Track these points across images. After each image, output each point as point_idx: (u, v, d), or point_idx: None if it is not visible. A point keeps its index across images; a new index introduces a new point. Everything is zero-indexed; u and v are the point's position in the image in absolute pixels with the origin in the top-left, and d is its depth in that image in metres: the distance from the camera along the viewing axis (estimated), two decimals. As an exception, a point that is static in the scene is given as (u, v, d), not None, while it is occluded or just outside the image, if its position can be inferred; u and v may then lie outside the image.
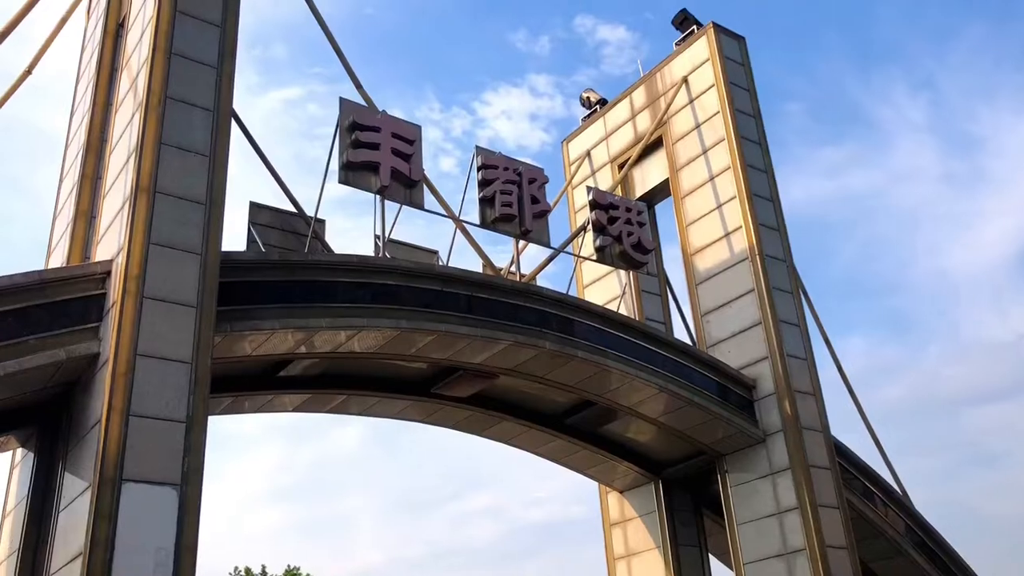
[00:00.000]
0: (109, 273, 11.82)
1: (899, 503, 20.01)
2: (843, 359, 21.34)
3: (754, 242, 18.89)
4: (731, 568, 18.95)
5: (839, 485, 17.67)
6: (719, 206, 19.89)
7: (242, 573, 42.01)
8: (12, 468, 13.99)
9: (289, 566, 42.35)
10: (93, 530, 9.88)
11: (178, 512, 10.42)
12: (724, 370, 18.28)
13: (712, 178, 20.22)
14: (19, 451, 13.72)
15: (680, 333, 21.02)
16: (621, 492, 20.68)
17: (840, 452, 18.73)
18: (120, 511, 10.06)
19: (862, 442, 20.83)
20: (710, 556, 20.22)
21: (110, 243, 12.31)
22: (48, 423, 12.70)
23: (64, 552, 10.65)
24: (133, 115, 12.72)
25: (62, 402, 12.39)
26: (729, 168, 19.80)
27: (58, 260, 15.05)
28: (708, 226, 20.08)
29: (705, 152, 20.55)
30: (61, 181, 16.69)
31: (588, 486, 21.50)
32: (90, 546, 9.79)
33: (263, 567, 41.88)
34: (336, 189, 15.93)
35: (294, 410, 17.36)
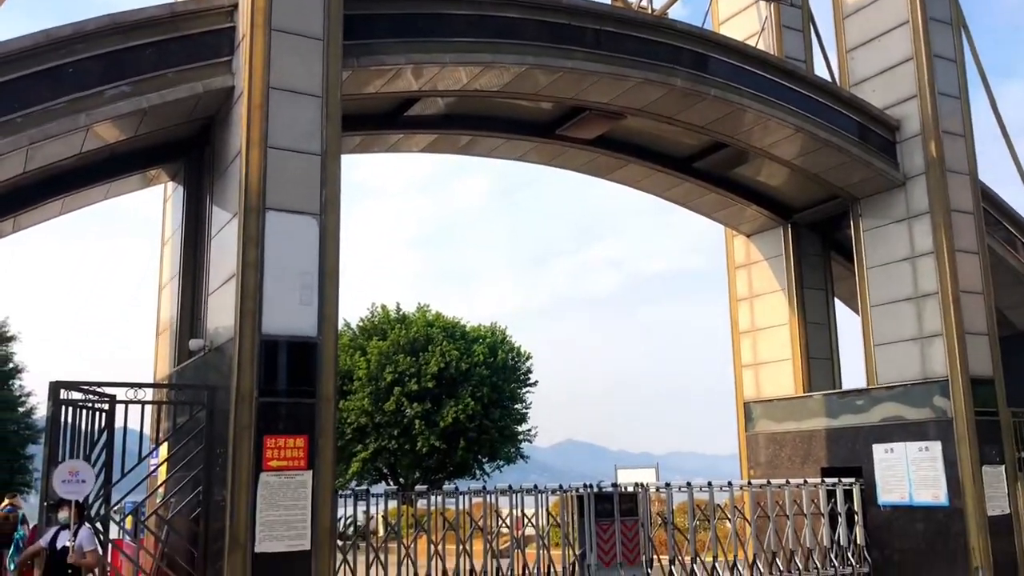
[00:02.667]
0: (236, 6, 11.80)
1: (1044, 252, 19.19)
2: (1000, 104, 19.82)
3: (912, -33, 17.11)
4: (856, 312, 18.95)
5: (980, 230, 17.00)
6: (875, -73, 17.91)
7: (378, 309, 45.08)
8: (165, 201, 14.94)
9: (420, 304, 45.05)
10: (243, 254, 10.56)
11: (319, 240, 10.96)
12: (866, 109, 17.29)
13: None
14: (170, 185, 14.57)
15: (821, 71, 19.79)
16: (748, 236, 20.54)
17: (986, 196, 17.86)
18: (266, 237, 10.66)
19: (1013, 192, 19.71)
20: (835, 299, 20.22)
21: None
22: (194, 157, 13.33)
23: (218, 275, 11.51)
24: None
25: (204, 137, 12.92)
26: None
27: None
28: (861, -50, 18.23)
29: None
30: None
31: (706, 239, 21.60)
32: (242, 268, 10.51)
33: (397, 304, 44.81)
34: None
35: (421, 151, 17.56)
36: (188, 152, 13.37)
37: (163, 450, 12.26)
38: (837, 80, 18.60)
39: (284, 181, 10.89)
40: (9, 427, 35.43)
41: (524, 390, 44.61)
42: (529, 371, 44.77)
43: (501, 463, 43.40)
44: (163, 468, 12.11)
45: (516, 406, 44.02)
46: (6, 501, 17.11)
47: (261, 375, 10.29)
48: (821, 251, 20.03)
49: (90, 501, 10.05)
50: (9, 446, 35.74)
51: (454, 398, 40.67)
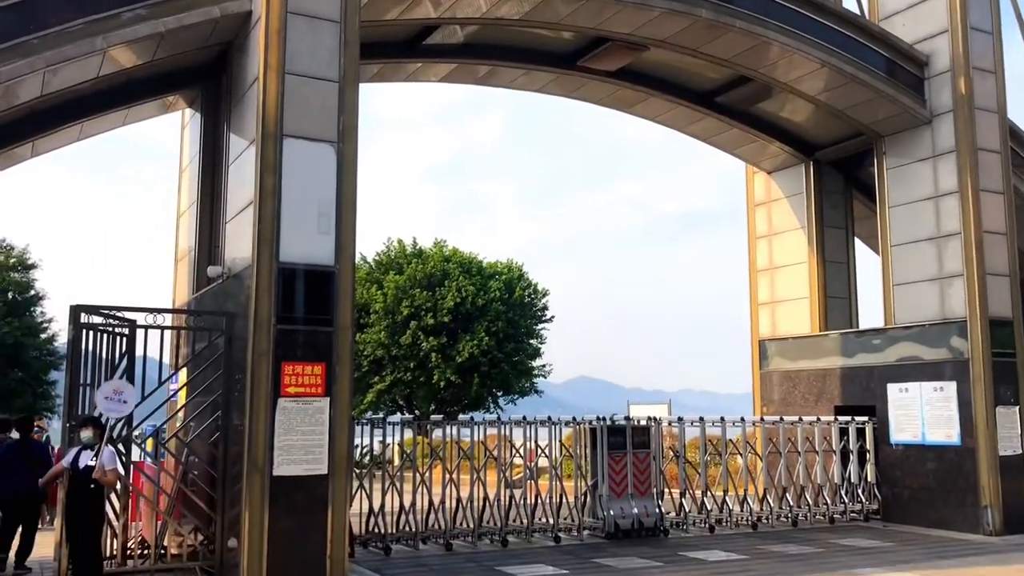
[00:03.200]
0: (253, -72, 11.54)
1: (1071, 193, 18.86)
2: (1033, 38, 19.29)
3: None
4: (876, 252, 18.80)
5: (1007, 170, 16.72)
6: None
7: (395, 243, 45.07)
8: (183, 128, 14.87)
9: (437, 239, 44.93)
10: (261, 182, 10.52)
11: (336, 168, 10.90)
12: (895, 44, 16.90)
13: None
14: (187, 112, 14.49)
15: (850, 4, 19.29)
16: (769, 173, 20.31)
17: (1013, 135, 17.53)
18: (284, 165, 10.60)
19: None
20: (855, 238, 20.05)
21: None
22: (211, 84, 13.22)
23: (236, 202, 11.50)
24: None
25: (222, 63, 12.79)
26: None
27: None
28: None
29: None
30: None
31: (726, 179, 21.35)
32: (259, 196, 10.48)
33: (414, 239, 44.73)
34: None
35: (440, 81, 17.35)
36: (205, 78, 13.25)
37: (182, 375, 12.44)
38: (866, 13, 18.13)
39: (302, 108, 10.79)
40: (31, 353, 35.96)
41: (540, 326, 44.75)
42: (545, 308, 44.83)
43: (515, 397, 43.81)
44: (182, 393, 12.28)
45: (532, 341, 44.22)
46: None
47: (279, 303, 10.34)
48: (843, 189, 19.81)
49: (112, 423, 10.21)
50: (32, 372, 36.34)
51: (470, 333, 40.88)
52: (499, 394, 43.30)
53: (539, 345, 44.90)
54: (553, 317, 44.70)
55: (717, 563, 12.57)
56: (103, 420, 10.03)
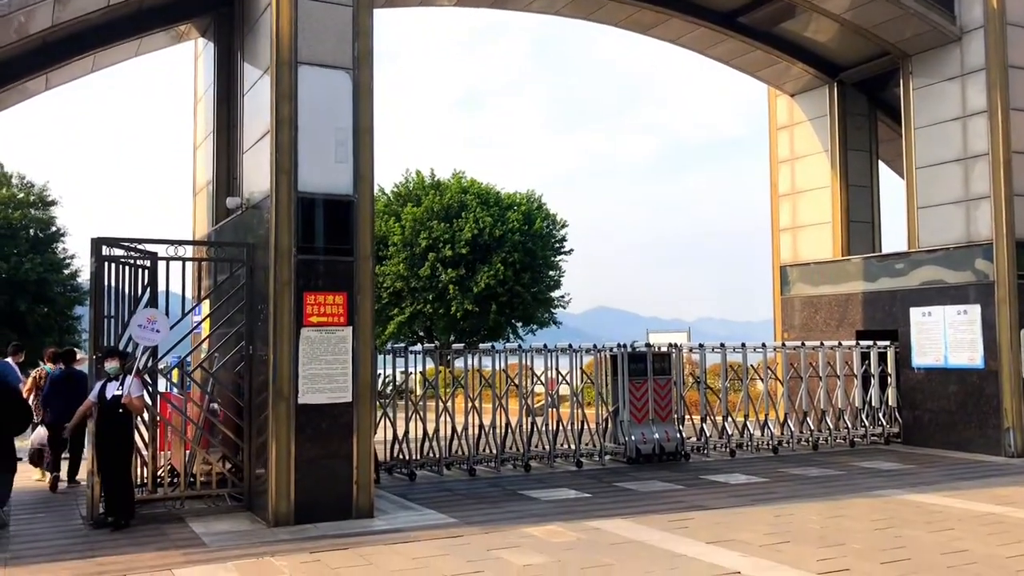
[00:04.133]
0: None
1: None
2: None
3: None
4: (900, 175, 18.49)
5: (1039, 88, 16.29)
6: None
7: (412, 175, 44.86)
8: (196, 58, 14.68)
9: (455, 170, 44.64)
10: (276, 110, 10.39)
11: (352, 95, 10.74)
12: (924, -42, 16.34)
13: None
14: (200, 41, 14.28)
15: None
16: (792, 96, 19.89)
17: (1046, 53, 17.02)
18: (299, 93, 10.45)
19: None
20: (879, 161, 19.72)
21: None
22: (223, 11, 12.99)
23: (252, 132, 11.39)
24: None
25: (232, -10, 12.54)
26: None
27: None
28: None
29: None
30: None
31: (746, 107, 20.86)
32: (276, 125, 10.37)
33: (432, 170, 44.53)
34: None
35: (454, 6, 16.98)
36: (217, 6, 13.02)
37: (205, 307, 12.51)
38: (894, -74, 17.49)
39: (316, 33, 10.59)
40: (56, 289, 36.36)
41: (558, 257, 44.68)
42: (564, 239, 44.70)
43: (534, 328, 43.98)
44: (206, 324, 12.38)
45: (550, 272, 44.20)
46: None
47: (299, 233, 10.31)
48: (867, 111, 19.42)
49: (138, 355, 10.32)
50: (57, 307, 36.82)
51: (487, 264, 40.88)
52: (518, 324, 43.49)
53: (558, 276, 44.89)
54: (572, 250, 44.60)
55: (738, 486, 12.69)
56: (129, 351, 10.14)
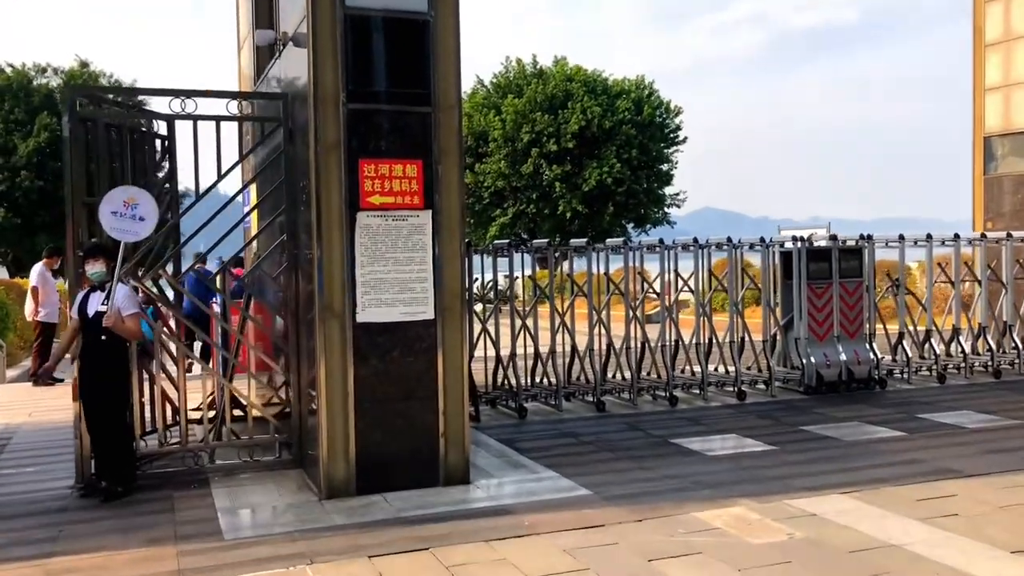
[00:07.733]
0: None
1: None
2: None
3: None
4: None
5: None
6: None
7: (513, 64, 41.16)
8: None
9: (557, 56, 40.95)
10: None
11: None
12: None
13: None
14: None
15: None
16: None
17: None
18: None
19: None
20: None
21: None
22: None
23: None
24: None
25: None
26: None
27: None
28: None
29: None
30: None
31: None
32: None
33: (534, 57, 40.82)
34: None
35: None
36: None
37: (252, 192, 9.34)
38: None
39: None
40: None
41: (672, 149, 40.69)
42: (678, 128, 40.53)
43: (648, 227, 40.40)
44: (254, 216, 9.28)
45: (663, 166, 40.34)
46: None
47: (349, 69, 6.90)
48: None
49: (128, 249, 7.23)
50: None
51: (596, 159, 37.29)
52: (629, 225, 40.06)
53: (672, 171, 41.02)
54: (686, 139, 40.43)
55: (979, 431, 9.02)
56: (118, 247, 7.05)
